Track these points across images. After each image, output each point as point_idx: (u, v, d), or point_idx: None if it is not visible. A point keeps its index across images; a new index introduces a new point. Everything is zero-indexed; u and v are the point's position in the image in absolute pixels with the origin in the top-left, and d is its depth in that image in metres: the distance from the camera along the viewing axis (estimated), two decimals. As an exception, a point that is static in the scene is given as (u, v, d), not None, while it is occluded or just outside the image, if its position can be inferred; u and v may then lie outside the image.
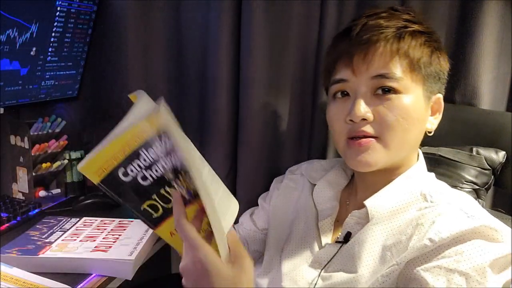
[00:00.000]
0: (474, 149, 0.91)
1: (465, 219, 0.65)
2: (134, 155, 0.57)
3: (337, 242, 0.74)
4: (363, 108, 0.70)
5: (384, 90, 0.70)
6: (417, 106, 0.71)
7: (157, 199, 0.60)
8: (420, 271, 0.62)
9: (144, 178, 0.58)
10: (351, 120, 0.71)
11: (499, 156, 0.90)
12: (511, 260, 0.62)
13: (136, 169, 0.58)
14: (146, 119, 0.55)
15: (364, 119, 0.70)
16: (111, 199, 1.14)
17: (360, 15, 0.76)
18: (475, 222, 0.63)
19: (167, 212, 0.60)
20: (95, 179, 0.57)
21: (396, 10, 0.75)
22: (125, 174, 0.58)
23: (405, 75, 0.70)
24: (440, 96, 0.76)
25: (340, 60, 0.74)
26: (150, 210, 0.60)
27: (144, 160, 0.57)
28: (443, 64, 0.75)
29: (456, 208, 0.67)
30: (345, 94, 0.74)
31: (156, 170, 0.58)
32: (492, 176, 0.91)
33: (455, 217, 0.66)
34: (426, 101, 0.73)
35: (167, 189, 0.59)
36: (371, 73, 0.71)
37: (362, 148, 0.71)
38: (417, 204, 0.70)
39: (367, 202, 0.72)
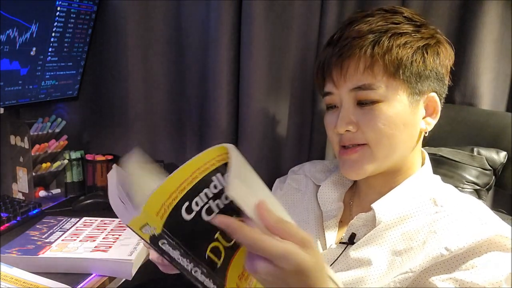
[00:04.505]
0: (475, 149, 0.91)
1: (479, 226, 0.64)
2: (204, 183, 0.46)
3: (341, 243, 0.74)
4: (344, 122, 0.71)
5: (363, 102, 0.70)
6: (402, 111, 0.70)
7: (219, 237, 0.48)
8: (436, 281, 0.62)
9: (209, 211, 0.46)
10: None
11: (500, 156, 0.90)
12: None
13: (202, 200, 0.46)
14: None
15: (348, 130, 0.71)
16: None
17: (344, 21, 0.75)
18: (490, 232, 0.63)
19: (230, 252, 0.50)
20: (157, 223, 0.44)
21: (383, 10, 0.73)
22: (189, 210, 0.45)
23: (382, 83, 0.69)
24: (434, 94, 0.73)
25: (325, 72, 0.75)
26: (213, 257, 0.48)
27: (215, 187, 0.46)
28: (431, 62, 0.71)
29: (468, 214, 0.67)
30: (334, 106, 0.75)
31: (226, 197, 0.47)
32: (493, 177, 0.90)
33: (469, 224, 0.65)
34: (414, 103, 0.71)
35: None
36: (348, 85, 0.71)
37: (350, 158, 0.73)
38: (427, 209, 0.70)
39: (374, 206, 0.72)
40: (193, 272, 0.48)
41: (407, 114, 0.71)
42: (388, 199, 0.72)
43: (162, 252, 0.46)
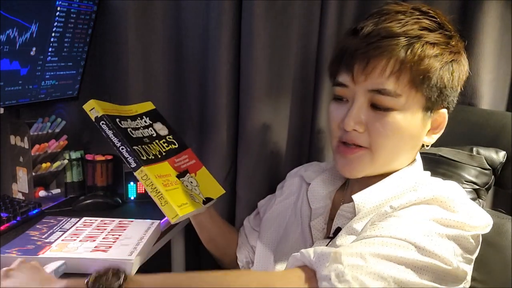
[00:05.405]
0: (474, 149, 0.91)
1: (429, 190, 0.65)
2: (138, 116, 0.90)
3: (328, 237, 0.75)
4: (354, 120, 0.69)
5: (378, 106, 0.69)
6: (413, 123, 0.69)
7: (151, 147, 0.85)
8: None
9: (135, 129, 0.86)
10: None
11: (499, 156, 0.90)
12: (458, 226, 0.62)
13: (136, 126, 0.86)
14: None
15: (355, 130, 0.70)
16: (111, 199, 1.16)
17: (375, 11, 0.71)
18: (436, 192, 0.64)
19: (156, 159, 0.84)
20: (101, 112, 0.81)
21: (418, 10, 0.70)
22: (120, 122, 0.83)
23: (404, 92, 0.67)
24: (445, 111, 0.72)
25: (343, 62, 0.71)
26: (138, 150, 0.81)
27: (145, 122, 0.91)
28: (454, 79, 0.70)
29: (431, 185, 0.68)
30: (344, 98, 0.73)
31: (149, 132, 0.90)
32: (493, 176, 0.90)
33: (421, 190, 0.67)
34: (425, 117, 0.70)
35: (157, 142, 0.88)
36: (368, 85, 0.68)
37: (349, 157, 0.72)
38: (405, 195, 0.70)
39: (354, 196, 0.72)
40: (120, 149, 0.80)
41: (417, 128, 0.70)
42: (369, 191, 0.73)
43: (101, 129, 0.81)
